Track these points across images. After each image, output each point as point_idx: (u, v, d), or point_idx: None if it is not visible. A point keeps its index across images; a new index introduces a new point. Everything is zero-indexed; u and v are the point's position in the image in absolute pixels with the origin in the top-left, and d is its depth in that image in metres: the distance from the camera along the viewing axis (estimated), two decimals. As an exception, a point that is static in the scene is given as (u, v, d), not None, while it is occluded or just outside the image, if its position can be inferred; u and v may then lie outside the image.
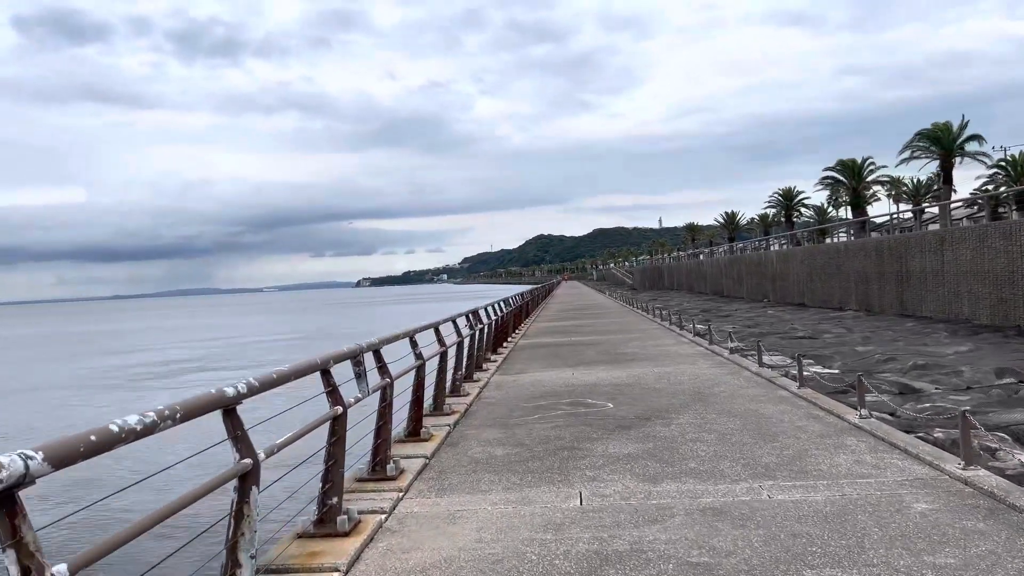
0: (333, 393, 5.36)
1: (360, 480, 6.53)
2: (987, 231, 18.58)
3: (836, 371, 12.16)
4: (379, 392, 6.69)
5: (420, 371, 8.36)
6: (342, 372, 5.92)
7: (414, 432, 8.20)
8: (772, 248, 48.89)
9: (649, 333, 21.51)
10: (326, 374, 5.32)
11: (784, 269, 35.50)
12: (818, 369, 12.12)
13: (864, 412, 8.11)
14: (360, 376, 6.07)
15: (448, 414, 9.61)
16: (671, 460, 6.95)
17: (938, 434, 7.20)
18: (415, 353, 8.37)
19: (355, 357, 6.00)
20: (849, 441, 7.33)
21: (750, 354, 14.85)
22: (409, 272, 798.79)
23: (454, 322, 11.44)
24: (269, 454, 4.03)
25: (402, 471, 6.76)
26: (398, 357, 8.21)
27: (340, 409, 5.33)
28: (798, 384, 10.29)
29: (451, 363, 11.22)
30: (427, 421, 9.08)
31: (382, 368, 6.81)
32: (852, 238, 33.73)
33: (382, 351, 6.85)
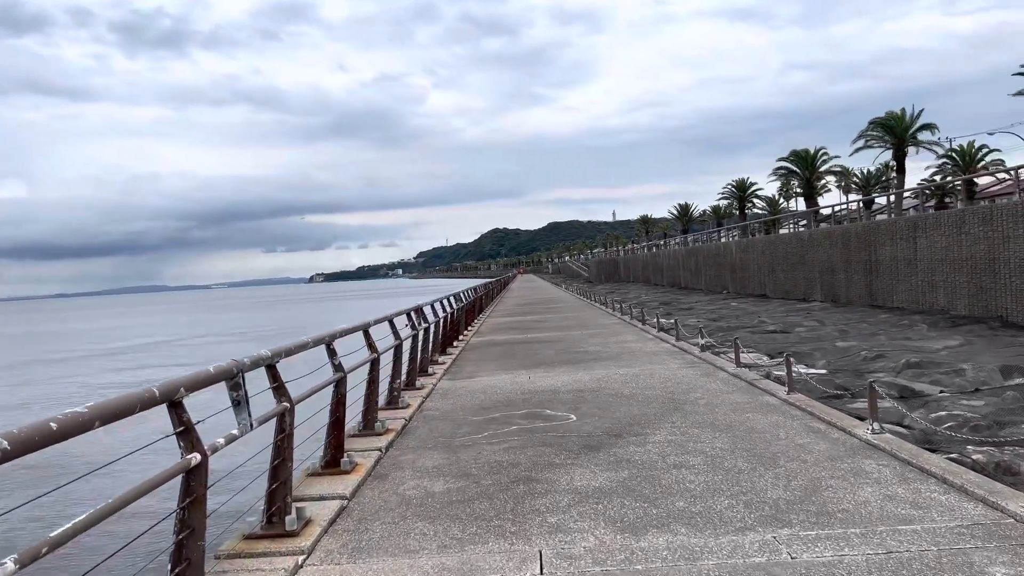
0: (187, 434, 3.76)
1: (249, 538, 4.93)
2: (964, 216, 17.64)
3: (823, 371, 10.91)
4: (275, 420, 5.11)
5: (340, 386, 6.77)
6: (257, 382, 4.39)
7: (332, 462, 6.62)
8: (728, 239, 48.19)
9: (610, 329, 20.17)
10: (175, 407, 3.73)
11: (744, 260, 34.58)
12: (802, 369, 10.85)
13: (876, 426, 6.78)
14: (240, 404, 4.47)
15: (380, 433, 8.04)
16: (653, 497, 5.50)
17: (976, 456, 5.89)
18: (333, 364, 6.78)
19: (231, 379, 4.41)
20: (868, 465, 5.97)
21: (723, 352, 13.57)
22: (363, 267, 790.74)
23: (391, 322, 9.85)
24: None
25: (308, 522, 5.19)
26: (317, 366, 6.65)
27: (198, 458, 3.75)
28: (787, 389, 8.97)
29: (389, 370, 9.66)
30: (353, 443, 7.52)
31: (279, 389, 5.21)
32: (807, 228, 32.98)
33: (279, 365, 5.25)
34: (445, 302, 17.04)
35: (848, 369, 11.11)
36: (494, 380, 12.01)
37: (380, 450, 7.39)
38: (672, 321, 16.58)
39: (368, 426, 8.11)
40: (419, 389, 11.14)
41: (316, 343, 6.29)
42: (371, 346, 8.32)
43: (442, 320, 15.93)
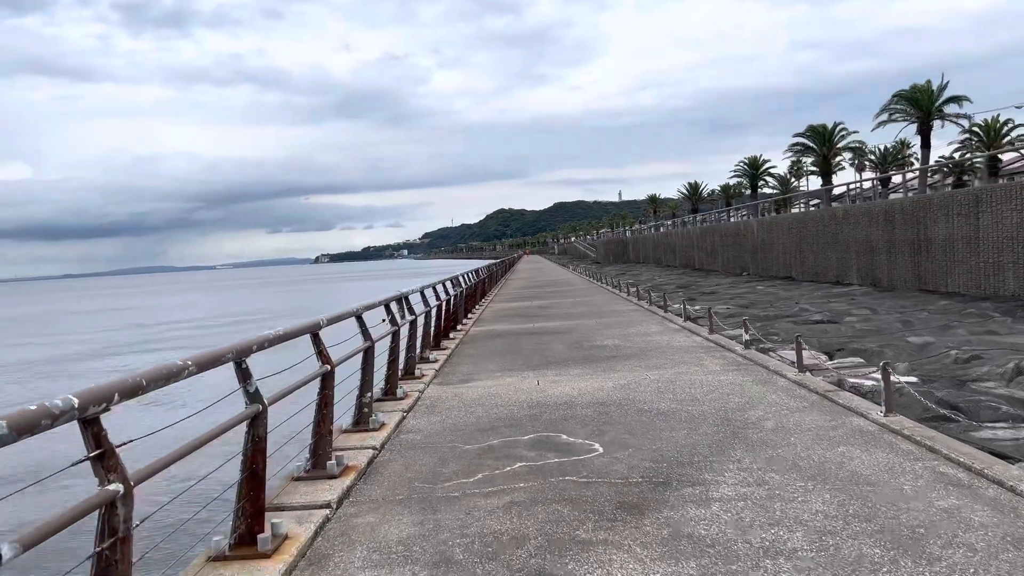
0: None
1: None
2: (1042, 188, 15.27)
3: (911, 378, 8.64)
4: (99, 514, 2.92)
5: (256, 424, 4.55)
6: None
7: (246, 537, 4.42)
8: (739, 218, 45.74)
9: (628, 317, 17.93)
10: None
11: (768, 239, 32.19)
12: (876, 375, 8.60)
13: (1060, 482, 4.53)
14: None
15: (334, 476, 5.83)
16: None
17: None
18: (247, 392, 4.56)
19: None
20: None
21: (770, 349, 11.33)
22: (368, 248, 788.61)
23: (358, 319, 7.65)
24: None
25: None
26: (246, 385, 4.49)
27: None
28: (882, 408, 6.73)
29: (357, 381, 7.47)
30: (291, 496, 5.35)
31: (98, 461, 3.00)
32: (840, 204, 30.52)
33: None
34: (440, 288, 14.82)
35: (942, 375, 8.86)
36: (494, 386, 9.80)
37: (329, 507, 5.18)
38: (701, 309, 14.33)
39: (317, 465, 5.91)
40: (400, 400, 8.94)
41: (231, 355, 4.11)
42: (323, 356, 6.11)
43: (435, 310, 13.71)
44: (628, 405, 8.07)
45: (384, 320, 9.35)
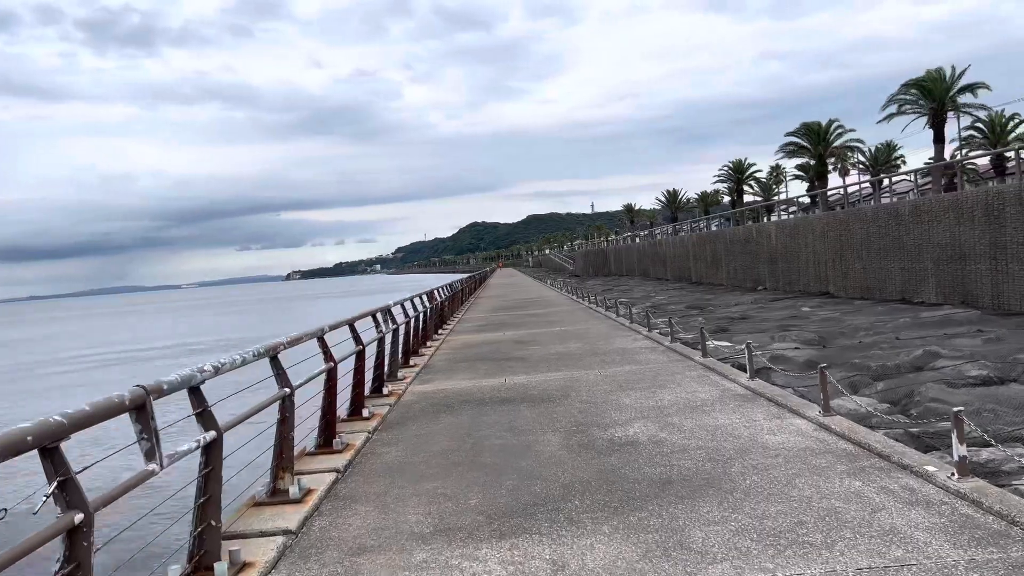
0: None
1: None
2: None
3: None
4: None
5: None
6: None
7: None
8: (721, 225, 40.05)
9: (647, 363, 11.85)
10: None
11: (791, 245, 26.34)
12: None
13: None
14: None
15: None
16: None
17: None
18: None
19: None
20: None
21: (936, 447, 5.30)
22: (341, 263, 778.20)
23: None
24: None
25: None
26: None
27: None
28: None
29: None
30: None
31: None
32: (870, 203, 24.88)
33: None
34: (384, 317, 8.68)
35: None
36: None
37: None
38: (762, 351, 8.30)
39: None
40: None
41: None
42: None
43: (329, 372, 7.48)
44: None
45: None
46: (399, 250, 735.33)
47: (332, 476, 6.39)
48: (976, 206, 16.30)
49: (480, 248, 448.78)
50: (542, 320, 21.74)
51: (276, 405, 5.87)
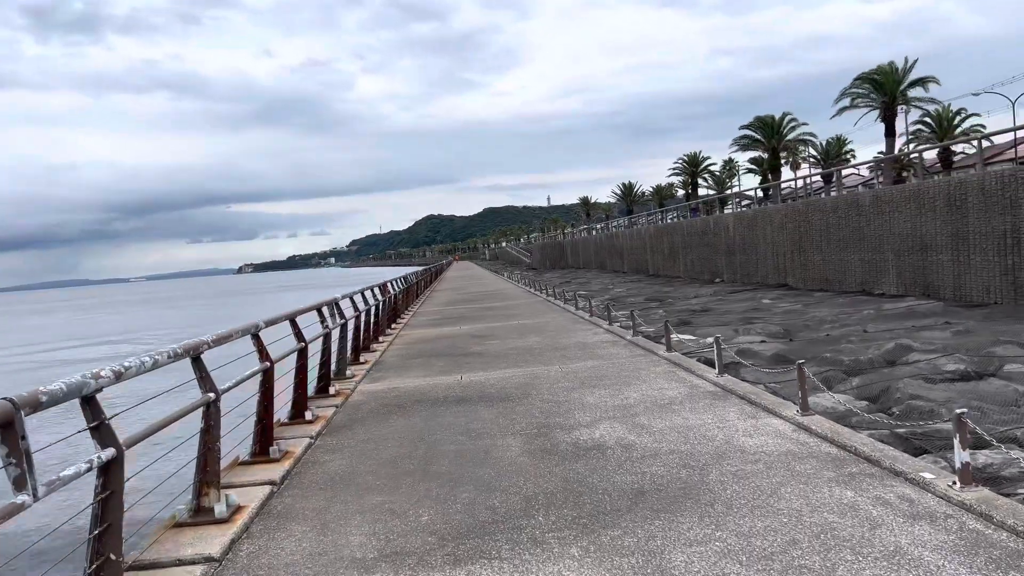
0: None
1: None
2: None
3: None
4: None
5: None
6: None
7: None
8: (679, 218, 39.97)
9: (609, 358, 11.33)
10: None
11: (750, 237, 26.16)
12: None
13: None
14: None
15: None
16: None
17: None
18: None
19: None
20: None
21: (933, 450, 4.85)
22: (295, 256, 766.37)
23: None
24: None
25: None
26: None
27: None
28: None
29: None
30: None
31: None
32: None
33: None
34: (330, 312, 7.94)
35: None
36: None
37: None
38: (728, 343, 7.83)
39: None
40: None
41: None
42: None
43: (264, 372, 6.74)
44: None
45: None
46: (354, 243, 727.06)
47: (267, 489, 5.70)
48: (938, 196, 16.16)
49: (437, 241, 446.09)
50: (500, 313, 21.14)
51: (200, 412, 5.16)
